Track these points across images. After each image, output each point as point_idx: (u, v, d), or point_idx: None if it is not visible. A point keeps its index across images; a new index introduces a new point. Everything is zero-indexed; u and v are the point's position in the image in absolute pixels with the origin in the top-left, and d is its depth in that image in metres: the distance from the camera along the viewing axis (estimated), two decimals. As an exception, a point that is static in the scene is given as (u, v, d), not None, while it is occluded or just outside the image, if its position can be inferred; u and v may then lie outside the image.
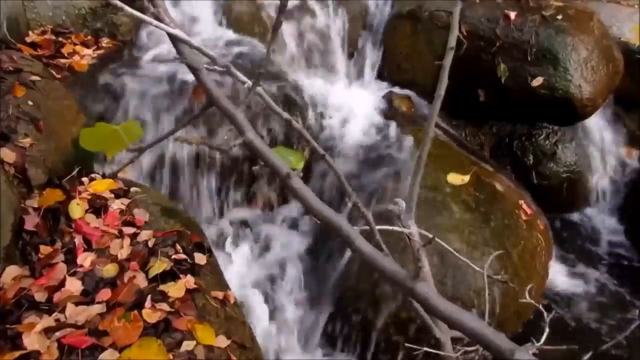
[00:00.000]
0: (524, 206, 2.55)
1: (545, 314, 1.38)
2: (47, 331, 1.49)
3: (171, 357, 1.49)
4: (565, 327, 2.46)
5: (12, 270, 1.60)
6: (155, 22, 0.69)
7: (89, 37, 2.79)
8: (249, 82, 0.72)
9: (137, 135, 0.72)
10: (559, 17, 2.83)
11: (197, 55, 0.73)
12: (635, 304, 2.59)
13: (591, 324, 2.48)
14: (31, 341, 1.45)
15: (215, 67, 0.70)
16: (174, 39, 0.72)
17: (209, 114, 2.22)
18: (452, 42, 1.21)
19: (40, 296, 1.58)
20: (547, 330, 1.33)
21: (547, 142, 2.98)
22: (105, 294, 1.61)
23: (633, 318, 2.46)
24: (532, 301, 1.65)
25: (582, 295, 2.64)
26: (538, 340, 1.27)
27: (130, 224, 1.85)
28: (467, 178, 2.45)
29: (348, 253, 2.22)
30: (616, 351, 2.23)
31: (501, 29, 2.85)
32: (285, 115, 0.78)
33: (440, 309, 0.84)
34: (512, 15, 2.85)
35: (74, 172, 1.98)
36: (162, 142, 1.65)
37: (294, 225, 2.52)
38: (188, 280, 1.69)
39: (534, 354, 0.94)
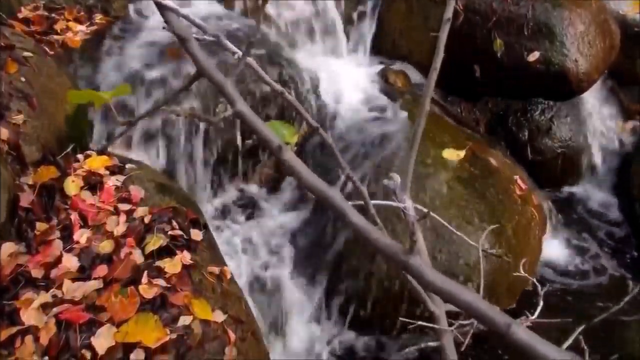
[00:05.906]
0: (519, 181, 2.55)
1: (539, 287, 1.40)
2: (45, 307, 1.50)
3: (168, 332, 1.50)
4: (559, 300, 2.48)
5: (8, 247, 1.60)
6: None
7: (82, 13, 2.74)
8: (239, 52, 0.71)
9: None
10: (556, -10, 2.80)
11: (185, 25, 0.72)
12: (628, 277, 2.61)
13: (585, 298, 2.50)
14: (29, 317, 1.47)
15: (205, 36, 0.69)
16: (161, 7, 0.70)
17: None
18: (449, 13, 1.19)
19: (36, 272, 1.58)
20: (541, 303, 1.34)
21: (543, 117, 2.98)
22: (101, 270, 1.62)
23: (625, 291, 2.48)
24: (527, 275, 1.66)
25: (575, 269, 2.66)
26: (532, 314, 1.28)
27: (126, 200, 1.85)
28: (462, 153, 2.44)
29: (343, 228, 2.23)
30: (609, 324, 2.25)
31: (497, 3, 2.82)
32: (278, 86, 0.77)
33: (435, 283, 0.83)
34: (509, -11, 2.82)
35: (69, 149, 1.97)
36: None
37: (290, 201, 2.52)
38: (184, 256, 1.69)
39: (528, 327, 0.95)
